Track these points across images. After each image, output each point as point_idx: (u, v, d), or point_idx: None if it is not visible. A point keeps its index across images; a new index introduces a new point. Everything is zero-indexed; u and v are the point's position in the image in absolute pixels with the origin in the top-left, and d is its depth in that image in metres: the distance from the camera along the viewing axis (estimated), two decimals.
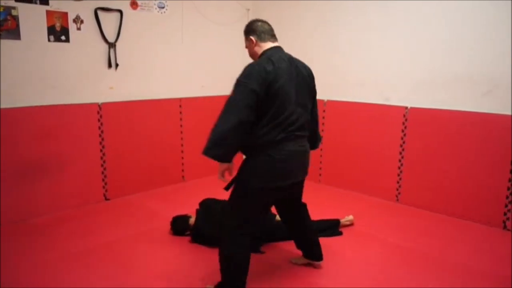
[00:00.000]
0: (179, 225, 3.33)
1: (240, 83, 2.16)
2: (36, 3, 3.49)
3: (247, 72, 2.18)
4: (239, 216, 2.31)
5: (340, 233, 3.38)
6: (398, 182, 4.10)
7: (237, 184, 2.32)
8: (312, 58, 5.00)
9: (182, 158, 4.74)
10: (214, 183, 3.65)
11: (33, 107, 3.58)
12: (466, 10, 3.59)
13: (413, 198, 4.01)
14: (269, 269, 2.80)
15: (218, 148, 2.13)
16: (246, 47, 2.47)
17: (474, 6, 3.54)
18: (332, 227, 3.40)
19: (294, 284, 2.63)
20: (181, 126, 4.68)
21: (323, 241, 2.91)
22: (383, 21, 4.12)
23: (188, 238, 3.26)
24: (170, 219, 3.38)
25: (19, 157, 3.50)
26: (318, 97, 2.67)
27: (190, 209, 3.79)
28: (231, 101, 2.14)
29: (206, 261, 2.90)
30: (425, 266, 2.86)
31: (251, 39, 2.41)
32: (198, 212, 3.35)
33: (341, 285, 2.61)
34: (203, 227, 3.16)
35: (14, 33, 3.41)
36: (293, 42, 4.88)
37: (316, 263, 2.78)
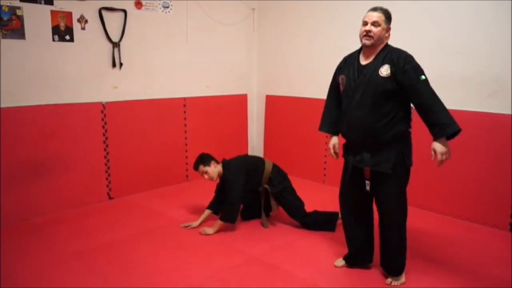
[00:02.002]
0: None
1: (425, 76, 2.32)
2: (40, 3, 3.52)
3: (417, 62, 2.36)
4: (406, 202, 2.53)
5: (333, 229, 3.35)
6: None
7: (403, 171, 2.45)
8: (318, 57, 5.02)
9: (186, 157, 4.74)
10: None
11: (37, 106, 3.60)
12: (472, 10, 3.54)
13: (417, 200, 3.94)
14: (267, 272, 2.78)
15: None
16: (380, 30, 2.37)
17: (479, 7, 3.49)
18: (330, 221, 3.38)
19: (291, 284, 2.62)
20: (185, 125, 4.68)
21: (320, 237, 2.89)
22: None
23: (191, 240, 3.26)
24: (176, 216, 3.36)
25: (23, 156, 3.53)
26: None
27: (194, 209, 3.82)
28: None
29: (209, 260, 2.89)
30: (429, 268, 2.82)
31: (390, 28, 2.44)
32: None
33: (338, 285, 2.59)
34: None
35: (19, 33, 3.44)
36: (299, 41, 4.87)
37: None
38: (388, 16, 2.41)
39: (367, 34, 2.35)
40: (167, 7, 4.40)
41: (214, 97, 4.90)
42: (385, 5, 4.00)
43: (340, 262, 2.81)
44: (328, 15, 4.51)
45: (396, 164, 2.39)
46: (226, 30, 4.98)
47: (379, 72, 2.32)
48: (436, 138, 2.31)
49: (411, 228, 3.46)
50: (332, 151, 2.74)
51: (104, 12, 3.90)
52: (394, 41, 3.97)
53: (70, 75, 3.79)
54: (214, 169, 3.36)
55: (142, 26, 4.22)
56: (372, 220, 2.70)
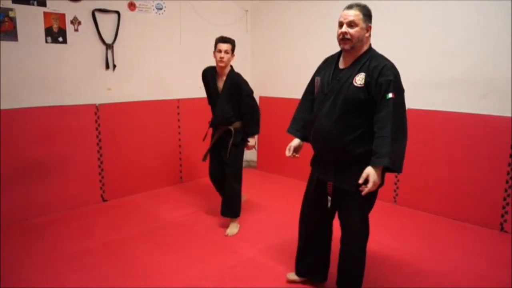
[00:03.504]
0: None
1: (402, 92, 2.10)
2: (33, 4, 3.50)
3: (396, 73, 2.08)
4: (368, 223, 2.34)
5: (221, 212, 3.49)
6: (395, 184, 4.10)
7: (369, 194, 2.15)
8: (312, 58, 5.02)
9: (180, 159, 4.74)
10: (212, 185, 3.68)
11: (30, 108, 3.58)
12: (464, 11, 3.59)
13: (410, 200, 4.00)
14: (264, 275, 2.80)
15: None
16: (358, 30, 2.09)
17: (471, 8, 3.54)
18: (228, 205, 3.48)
19: (287, 284, 2.63)
20: (179, 127, 4.68)
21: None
22: (380, 22, 4.11)
23: (186, 242, 3.26)
24: (170, 218, 3.37)
25: (16, 158, 3.51)
26: None
27: (189, 210, 3.82)
28: (404, 111, 2.09)
29: (205, 261, 2.90)
30: (422, 269, 2.85)
31: (370, 27, 2.15)
32: None
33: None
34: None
35: (12, 34, 3.42)
36: (292, 43, 4.89)
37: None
38: (366, 14, 2.12)
39: (343, 37, 2.10)
40: (161, 8, 4.39)
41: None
42: (377, 6, 4.10)
43: (293, 276, 2.65)
44: (322, 16, 4.53)
45: (362, 183, 2.12)
46: (219, 32, 4.92)
47: (354, 81, 2.09)
48: (372, 165, 2.04)
49: (403, 228, 3.51)
50: (287, 150, 2.46)
51: (97, 14, 3.89)
52: (386, 41, 4.04)
53: (63, 77, 3.77)
54: (231, 59, 3.40)
55: (135, 28, 4.21)
56: (330, 237, 2.52)
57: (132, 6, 4.15)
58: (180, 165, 4.76)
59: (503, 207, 3.46)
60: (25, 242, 3.18)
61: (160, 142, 4.53)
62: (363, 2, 2.15)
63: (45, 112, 3.67)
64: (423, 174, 3.90)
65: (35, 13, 3.52)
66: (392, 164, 1.99)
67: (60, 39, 3.70)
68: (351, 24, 2.09)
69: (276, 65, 5.12)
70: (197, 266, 2.85)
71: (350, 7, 2.13)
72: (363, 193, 2.06)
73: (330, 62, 2.31)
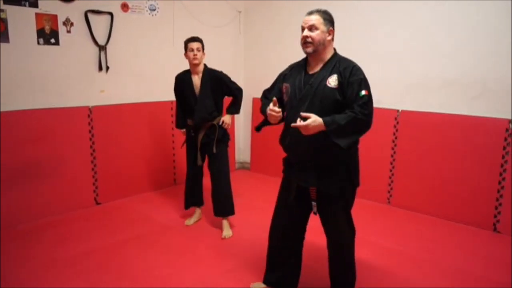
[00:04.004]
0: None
1: (368, 84, 2.14)
2: (25, 5, 3.45)
3: (364, 74, 2.15)
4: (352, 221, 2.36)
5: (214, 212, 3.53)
6: (389, 185, 4.13)
7: (350, 191, 2.26)
8: None
9: (174, 161, 4.72)
10: (206, 186, 3.66)
11: (22, 111, 3.53)
12: (458, 14, 3.62)
13: (404, 201, 4.03)
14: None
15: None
16: (319, 33, 2.14)
17: (465, 11, 3.58)
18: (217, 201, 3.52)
19: None
20: (172, 129, 4.63)
21: (313, 243, 2.91)
22: (373, 23, 4.14)
23: (181, 245, 3.24)
24: (165, 221, 3.35)
25: (8, 161, 3.46)
26: None
27: (183, 213, 3.81)
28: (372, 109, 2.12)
29: (200, 265, 2.89)
30: (416, 269, 2.87)
31: (332, 30, 2.20)
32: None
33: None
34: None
35: (3, 36, 3.37)
36: (284, 44, 4.88)
37: None
38: (327, 18, 2.18)
39: (305, 41, 2.15)
40: (154, 9, 4.36)
41: None
42: (370, 7, 4.12)
43: (259, 285, 2.61)
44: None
45: (344, 184, 2.21)
46: (212, 33, 4.96)
47: (327, 83, 2.11)
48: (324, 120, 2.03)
49: (397, 229, 3.54)
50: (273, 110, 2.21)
51: (90, 15, 3.85)
52: (380, 43, 4.06)
53: (56, 79, 3.73)
54: (203, 57, 3.43)
55: (129, 29, 4.17)
56: (302, 243, 2.51)
57: (125, 7, 4.11)
58: (174, 168, 4.74)
59: (496, 208, 3.51)
60: (18, 247, 3.13)
61: (153, 144, 4.50)
62: (324, 8, 2.22)
63: (37, 115, 3.62)
64: (416, 175, 3.93)
65: (26, 14, 3.47)
66: (332, 132, 2.02)
67: (53, 40, 3.65)
68: (311, 28, 2.15)
69: (269, 66, 5.11)
70: (194, 270, 2.84)
71: (310, 12, 2.20)
72: (292, 125, 2.06)
73: (296, 69, 2.32)
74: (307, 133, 2.04)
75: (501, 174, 3.46)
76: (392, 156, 4.07)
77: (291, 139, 2.23)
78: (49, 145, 3.70)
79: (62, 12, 3.68)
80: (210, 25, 4.92)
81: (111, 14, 4.01)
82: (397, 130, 4.03)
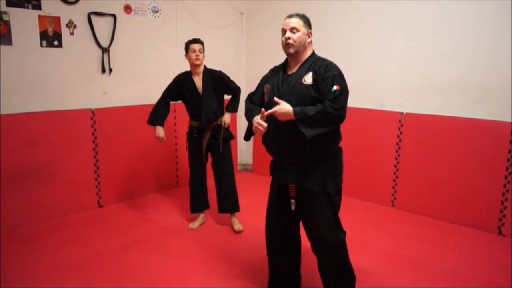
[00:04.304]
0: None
1: (346, 88, 2.17)
2: (28, 7, 3.43)
3: (339, 70, 2.19)
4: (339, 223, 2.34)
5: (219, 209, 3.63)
6: (393, 188, 4.11)
7: (333, 189, 2.25)
8: None
9: (176, 163, 4.70)
10: (210, 187, 3.65)
11: (25, 113, 3.51)
12: (461, 16, 3.61)
13: (408, 204, 4.01)
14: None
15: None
16: (300, 35, 2.21)
17: (470, 13, 3.56)
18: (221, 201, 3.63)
19: None
20: (175, 131, 4.63)
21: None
22: (376, 24, 4.13)
23: (185, 249, 3.23)
24: (169, 224, 3.33)
25: (11, 164, 3.44)
26: None
27: (186, 216, 3.79)
28: (344, 105, 2.15)
29: (204, 270, 2.87)
30: (420, 273, 2.86)
31: (311, 33, 2.29)
32: None
33: None
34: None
35: (6, 38, 3.35)
36: None
37: None
38: (306, 21, 2.28)
39: (287, 42, 2.22)
40: (157, 11, 4.35)
41: None
42: (372, 8, 4.10)
43: None
44: (318, 19, 4.51)
45: (325, 181, 2.20)
46: (214, 35, 4.95)
47: (303, 80, 2.18)
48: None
49: (400, 232, 3.52)
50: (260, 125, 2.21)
51: (93, 17, 3.83)
52: (383, 45, 4.04)
53: (59, 81, 3.71)
54: (204, 58, 3.47)
55: (131, 31, 4.16)
56: (298, 246, 2.49)
57: (128, 9, 4.10)
58: (176, 170, 4.72)
59: (501, 211, 3.50)
60: (20, 251, 3.11)
61: (156, 146, 4.46)
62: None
63: (40, 118, 3.60)
64: (421, 178, 3.91)
65: (29, 16, 3.45)
66: (299, 121, 2.06)
67: (56, 42, 3.63)
68: (293, 30, 2.22)
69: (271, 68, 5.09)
70: (198, 274, 2.82)
71: (290, 16, 2.27)
72: (262, 110, 2.15)
73: (276, 71, 2.40)
74: (282, 118, 2.11)
75: (506, 177, 3.45)
76: (396, 158, 4.06)
77: (272, 137, 2.26)
78: (52, 148, 3.68)
79: (65, 14, 3.66)
80: (213, 27, 4.90)
81: (114, 16, 3.99)
82: (401, 133, 4.01)
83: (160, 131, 3.50)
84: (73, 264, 2.92)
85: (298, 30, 2.21)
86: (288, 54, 2.26)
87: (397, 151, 4.05)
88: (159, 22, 4.39)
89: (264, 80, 2.48)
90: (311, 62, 2.23)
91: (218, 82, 3.45)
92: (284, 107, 2.10)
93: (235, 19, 5.20)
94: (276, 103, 2.12)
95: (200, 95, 3.43)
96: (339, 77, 2.14)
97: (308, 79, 2.18)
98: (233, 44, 5.21)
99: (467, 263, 3.03)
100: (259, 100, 2.44)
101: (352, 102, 4.29)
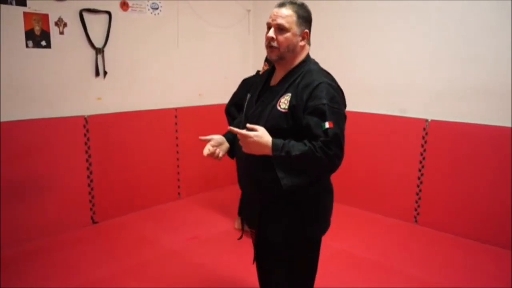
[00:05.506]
0: None
1: (342, 117, 1.60)
2: (11, 3, 3.10)
3: (333, 95, 1.58)
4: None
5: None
6: (417, 202, 3.77)
7: (303, 244, 1.72)
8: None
9: (178, 173, 4.37)
10: (213, 199, 3.32)
11: (10, 122, 3.19)
12: (489, 18, 3.27)
13: (433, 220, 3.69)
14: None
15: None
16: (289, 37, 1.61)
17: (498, 15, 3.22)
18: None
19: None
20: (176, 138, 4.31)
21: (334, 275, 2.56)
22: (394, 23, 3.80)
23: (193, 272, 2.88)
24: (170, 245, 2.99)
25: None
26: None
27: (189, 234, 3.49)
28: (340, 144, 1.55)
29: None
30: None
31: (307, 33, 1.67)
32: None
33: None
34: None
35: None
36: None
37: None
38: (302, 16, 1.62)
39: (269, 44, 1.63)
40: (156, 8, 4.01)
41: (207, 107, 4.53)
42: (392, 6, 3.75)
43: None
44: (329, 17, 4.19)
45: (291, 228, 1.66)
46: (220, 34, 4.63)
47: (278, 104, 1.60)
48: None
49: (424, 252, 3.17)
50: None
51: (85, 14, 3.51)
52: (402, 44, 3.66)
53: (47, 86, 3.40)
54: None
55: (128, 30, 3.83)
56: None
57: (124, 5, 3.77)
58: (178, 180, 4.38)
59: None
60: (1, 280, 2.76)
61: (156, 155, 4.15)
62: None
63: (27, 126, 3.28)
64: (447, 192, 3.58)
65: (13, 13, 3.12)
66: (276, 160, 1.51)
67: (43, 43, 3.31)
68: (280, 28, 1.60)
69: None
70: None
71: (281, 4, 1.63)
72: (229, 128, 1.58)
73: (265, 75, 1.84)
74: (248, 150, 1.54)
75: None
76: (420, 170, 3.71)
77: (238, 167, 1.80)
78: (41, 160, 3.36)
79: (54, 11, 3.33)
80: (217, 25, 4.58)
81: (109, 13, 3.67)
82: (425, 142, 3.66)
83: None
84: None
85: (287, 29, 1.59)
86: (270, 60, 1.69)
87: (421, 162, 3.70)
88: (159, 20, 4.07)
89: (249, 85, 1.98)
90: (297, 75, 1.63)
91: None
92: (262, 136, 1.52)
93: (241, 17, 4.87)
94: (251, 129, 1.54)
95: None
96: (331, 107, 1.53)
97: (283, 103, 1.59)
98: (240, 44, 4.90)
99: (480, 279, 2.76)
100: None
101: (369, 107, 4.03)
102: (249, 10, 4.91)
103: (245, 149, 1.56)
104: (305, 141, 1.52)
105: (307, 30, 1.66)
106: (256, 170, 1.64)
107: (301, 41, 1.64)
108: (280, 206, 1.65)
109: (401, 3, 3.73)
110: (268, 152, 1.52)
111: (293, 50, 1.63)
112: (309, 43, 1.70)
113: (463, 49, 3.43)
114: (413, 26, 3.69)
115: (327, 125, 1.50)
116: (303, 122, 1.54)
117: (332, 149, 1.50)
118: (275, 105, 1.61)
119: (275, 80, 1.73)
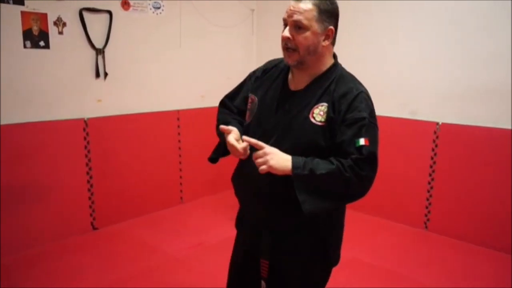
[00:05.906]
0: None
1: (374, 126, 1.42)
2: (8, 2, 3.00)
3: (371, 107, 1.42)
4: None
5: None
6: (427, 208, 3.67)
7: (320, 271, 1.55)
8: None
9: (180, 177, 4.26)
10: (217, 203, 3.21)
11: (7, 125, 3.08)
12: (506, 17, 3.15)
13: (444, 226, 3.58)
14: None
15: None
16: (308, 36, 1.37)
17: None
18: None
19: None
20: (179, 141, 4.20)
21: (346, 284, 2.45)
22: (404, 24, 3.69)
23: (197, 280, 2.77)
24: (172, 252, 2.89)
25: None
26: None
27: (193, 239, 3.40)
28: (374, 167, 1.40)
29: None
30: None
31: (332, 30, 1.43)
32: None
33: None
34: None
35: None
36: None
37: None
38: (325, 9, 1.38)
39: (286, 46, 1.40)
40: (158, 7, 3.91)
41: (210, 109, 4.37)
42: (399, 5, 3.65)
43: None
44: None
45: (312, 259, 1.50)
46: (223, 33, 4.53)
47: (311, 115, 1.39)
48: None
49: (435, 260, 3.06)
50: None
51: (85, 14, 3.41)
52: (411, 43, 3.55)
53: (46, 88, 3.29)
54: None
55: (130, 30, 3.73)
56: None
57: (126, 4, 3.67)
58: (180, 184, 4.28)
59: None
60: None
61: (158, 159, 4.05)
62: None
63: (25, 130, 3.18)
64: (459, 197, 3.47)
65: (10, 12, 3.02)
66: (298, 180, 1.31)
67: (42, 43, 3.20)
68: (298, 25, 1.36)
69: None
70: None
71: None
72: (244, 138, 1.37)
73: (273, 76, 1.56)
74: (269, 169, 1.31)
75: None
76: (430, 175, 3.60)
77: (245, 185, 1.53)
78: (39, 164, 3.25)
79: (53, 10, 3.23)
80: (220, 25, 4.47)
81: (109, 12, 3.57)
82: (436, 146, 3.55)
83: None
84: None
85: (306, 28, 1.36)
86: (287, 64, 1.46)
87: (431, 166, 3.59)
88: (161, 19, 3.96)
89: (253, 80, 1.65)
90: (330, 81, 1.42)
91: None
92: (279, 156, 1.32)
93: (245, 17, 4.77)
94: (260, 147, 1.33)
95: None
96: (371, 123, 1.36)
97: (319, 115, 1.38)
98: (243, 44, 4.80)
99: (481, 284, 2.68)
100: (238, 109, 1.68)
101: (378, 110, 3.91)
102: (253, 10, 4.81)
103: (264, 168, 1.31)
104: (331, 158, 1.33)
105: (331, 27, 1.41)
106: (284, 198, 1.39)
107: (324, 40, 1.40)
108: (301, 235, 1.45)
109: (410, 4, 3.62)
110: (288, 171, 1.31)
111: (314, 51, 1.39)
112: (333, 43, 1.46)
113: (477, 50, 3.32)
114: (423, 27, 3.59)
115: (362, 141, 1.31)
116: (337, 138, 1.33)
117: (364, 170, 1.31)
118: (307, 117, 1.38)
119: (296, 84, 1.47)
